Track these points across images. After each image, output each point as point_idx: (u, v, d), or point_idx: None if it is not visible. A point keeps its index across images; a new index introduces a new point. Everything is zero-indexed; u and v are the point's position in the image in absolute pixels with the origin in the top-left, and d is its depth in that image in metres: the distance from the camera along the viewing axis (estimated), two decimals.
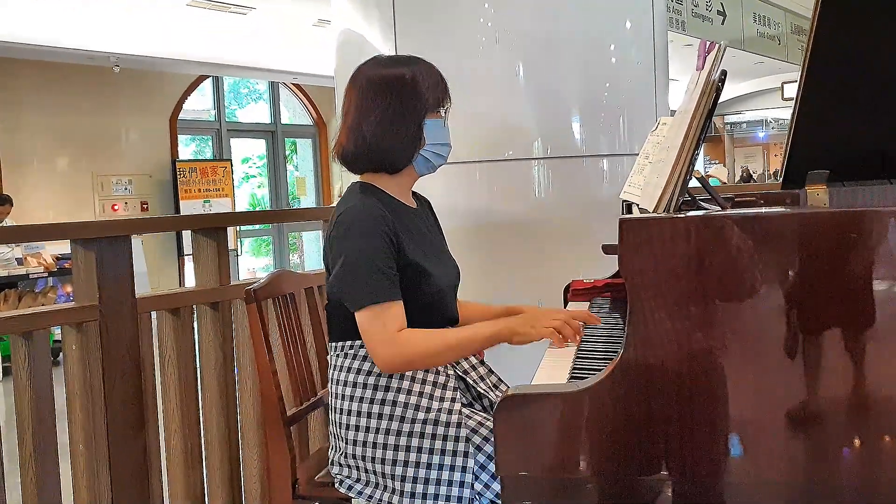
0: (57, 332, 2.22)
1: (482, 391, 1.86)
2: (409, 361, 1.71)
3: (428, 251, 1.83)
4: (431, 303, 1.79)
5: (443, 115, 1.84)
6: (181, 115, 10.54)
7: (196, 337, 2.51)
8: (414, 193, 1.94)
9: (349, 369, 1.79)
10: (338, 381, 1.81)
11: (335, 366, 1.82)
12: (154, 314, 2.40)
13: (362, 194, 1.79)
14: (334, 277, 1.74)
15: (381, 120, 1.77)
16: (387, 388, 1.75)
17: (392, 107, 1.77)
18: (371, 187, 1.82)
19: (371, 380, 1.76)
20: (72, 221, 2.60)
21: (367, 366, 1.77)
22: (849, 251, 1.22)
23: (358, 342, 1.77)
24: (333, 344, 1.84)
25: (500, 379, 1.94)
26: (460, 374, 1.84)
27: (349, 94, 1.83)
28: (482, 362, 1.93)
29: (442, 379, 1.78)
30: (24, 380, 2.07)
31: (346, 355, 1.80)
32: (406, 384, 1.75)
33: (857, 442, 1.23)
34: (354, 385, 1.77)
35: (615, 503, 1.29)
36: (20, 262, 7.35)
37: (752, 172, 16.50)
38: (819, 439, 1.24)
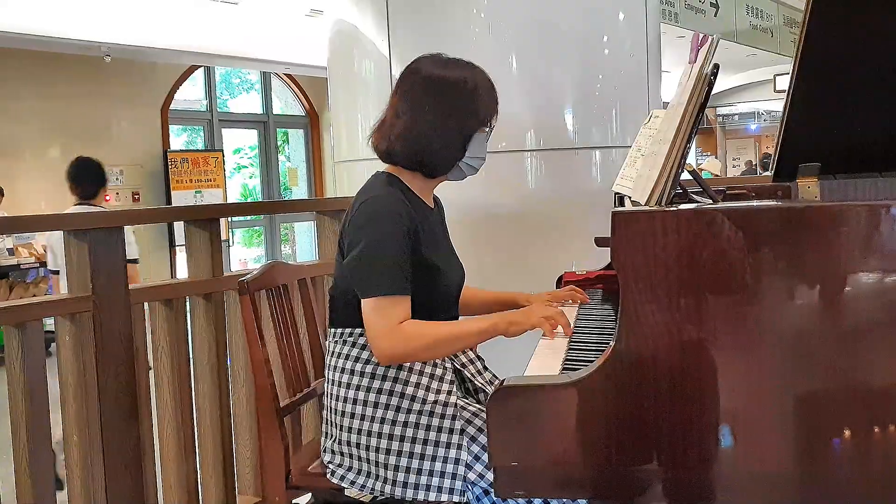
0: (48, 323, 2.21)
1: (479, 385, 1.87)
2: (408, 354, 1.72)
3: (440, 251, 1.85)
4: (439, 300, 1.81)
5: (487, 131, 1.85)
6: (173, 106, 10.49)
7: (189, 328, 2.51)
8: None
9: (347, 356, 1.80)
10: (335, 367, 1.81)
11: (333, 352, 1.83)
12: (147, 305, 2.40)
13: (388, 185, 1.80)
14: (349, 263, 1.74)
15: (435, 124, 1.77)
16: (383, 378, 1.76)
17: (449, 113, 1.77)
18: (397, 180, 1.83)
19: (368, 368, 1.77)
20: (65, 212, 2.60)
21: (365, 354, 1.77)
22: (839, 244, 1.23)
23: (358, 330, 1.78)
24: (334, 330, 1.84)
25: (494, 375, 1.95)
26: (458, 366, 1.85)
27: (404, 88, 1.82)
28: (479, 357, 1.95)
29: (439, 371, 1.79)
30: (18, 370, 2.07)
31: (345, 342, 1.81)
32: (403, 374, 1.76)
33: (847, 434, 1.24)
34: (352, 372, 1.78)
35: (607, 493, 1.31)
36: (11, 252, 7.32)
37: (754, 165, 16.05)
38: (809, 431, 1.26)
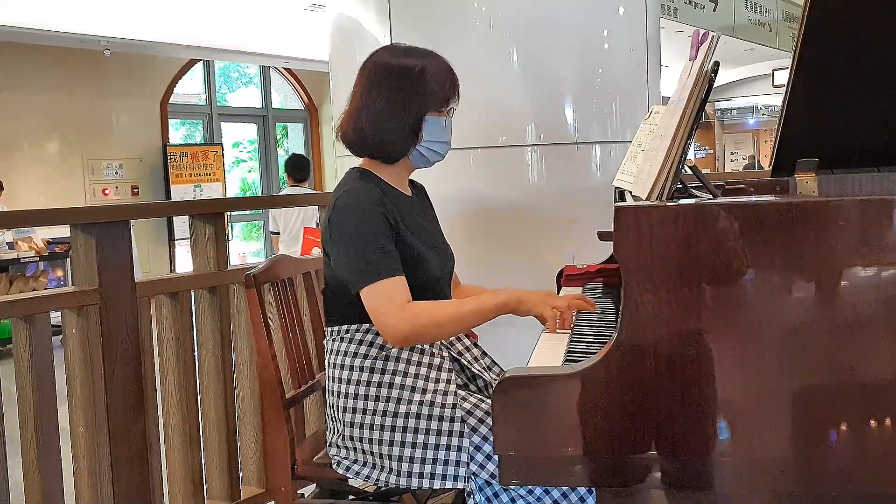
0: (55, 316, 2.23)
1: (476, 372, 1.90)
2: (420, 333, 1.71)
3: (423, 238, 1.86)
4: (426, 288, 1.82)
5: (446, 114, 1.85)
6: (172, 100, 10.49)
7: (194, 321, 2.54)
8: (410, 181, 1.97)
9: (346, 353, 1.82)
10: (335, 364, 1.84)
11: (332, 350, 1.85)
12: (153, 298, 2.42)
13: (360, 179, 1.82)
14: (336, 259, 1.77)
15: (381, 109, 1.79)
16: (383, 371, 1.79)
17: (394, 98, 1.79)
18: (368, 173, 1.85)
19: (367, 363, 1.79)
20: (72, 207, 2.62)
21: (363, 349, 1.80)
22: (837, 239, 1.25)
23: (354, 326, 1.80)
24: (330, 328, 1.87)
25: (493, 361, 1.97)
26: (455, 355, 1.88)
27: (359, 78, 1.85)
28: (476, 344, 1.97)
29: (437, 361, 1.81)
30: (26, 363, 2.10)
31: (342, 339, 1.83)
32: (402, 367, 1.78)
33: (843, 424, 1.27)
34: (351, 368, 1.80)
35: (608, 480, 1.33)
36: (11, 246, 7.33)
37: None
38: (806, 421, 1.28)
